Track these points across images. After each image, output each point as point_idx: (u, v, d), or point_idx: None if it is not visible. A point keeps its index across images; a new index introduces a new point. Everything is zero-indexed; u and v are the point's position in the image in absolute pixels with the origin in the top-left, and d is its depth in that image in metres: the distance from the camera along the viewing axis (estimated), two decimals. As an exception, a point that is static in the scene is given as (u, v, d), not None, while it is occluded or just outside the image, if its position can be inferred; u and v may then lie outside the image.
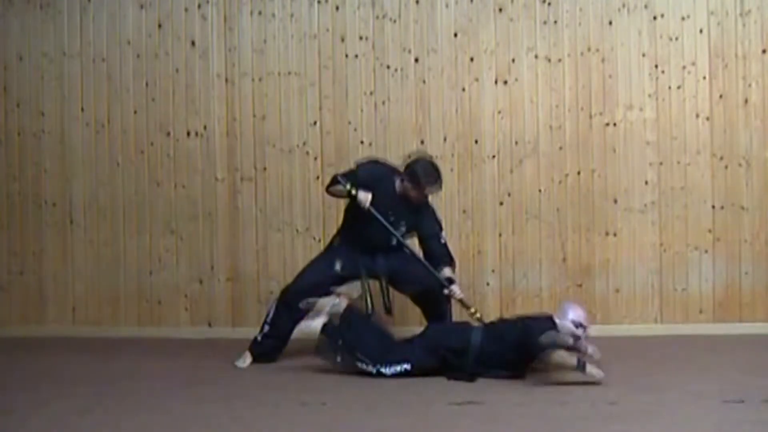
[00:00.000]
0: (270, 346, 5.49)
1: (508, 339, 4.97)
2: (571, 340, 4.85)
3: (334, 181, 5.40)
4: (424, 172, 5.33)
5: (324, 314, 5.17)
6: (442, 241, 5.51)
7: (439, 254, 5.47)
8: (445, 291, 5.41)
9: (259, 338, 5.51)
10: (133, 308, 6.50)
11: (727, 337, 5.98)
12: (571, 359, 4.77)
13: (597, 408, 4.40)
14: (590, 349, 4.88)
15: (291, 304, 5.42)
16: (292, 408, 4.50)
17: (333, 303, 5.23)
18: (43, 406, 4.58)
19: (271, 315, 5.49)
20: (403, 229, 5.44)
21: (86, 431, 4.22)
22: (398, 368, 5.00)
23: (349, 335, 5.10)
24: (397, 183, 5.42)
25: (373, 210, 5.31)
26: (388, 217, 5.36)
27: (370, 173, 5.47)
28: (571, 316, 5.01)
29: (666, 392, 4.66)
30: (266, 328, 5.48)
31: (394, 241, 5.40)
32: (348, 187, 5.31)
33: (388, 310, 5.47)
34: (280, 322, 5.45)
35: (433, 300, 5.55)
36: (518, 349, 4.91)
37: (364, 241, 5.43)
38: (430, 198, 5.51)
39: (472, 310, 5.37)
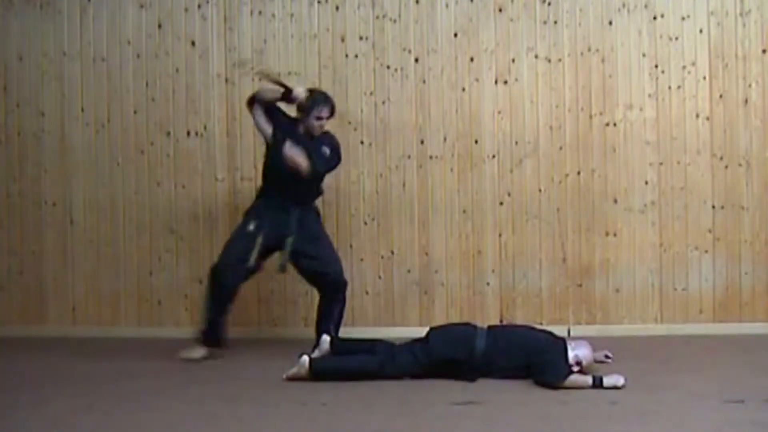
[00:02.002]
0: (216, 330, 5.50)
1: (515, 347, 4.96)
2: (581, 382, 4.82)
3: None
4: (307, 98, 5.46)
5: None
6: (325, 160, 5.51)
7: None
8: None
9: (204, 327, 5.53)
10: (133, 308, 6.49)
11: (727, 337, 5.98)
12: (586, 380, 4.77)
13: (597, 408, 4.40)
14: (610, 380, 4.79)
15: (218, 281, 5.46)
16: (292, 408, 4.50)
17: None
18: (43, 406, 4.58)
19: (207, 300, 5.52)
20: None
21: (86, 431, 4.22)
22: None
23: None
24: (299, 126, 5.53)
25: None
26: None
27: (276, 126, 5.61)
28: (576, 352, 4.90)
29: (666, 392, 4.67)
30: (207, 314, 5.51)
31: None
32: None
33: (282, 268, 5.54)
34: (216, 303, 5.48)
35: (326, 284, 5.57)
36: (522, 359, 4.92)
37: (279, 192, 5.49)
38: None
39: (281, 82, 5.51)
